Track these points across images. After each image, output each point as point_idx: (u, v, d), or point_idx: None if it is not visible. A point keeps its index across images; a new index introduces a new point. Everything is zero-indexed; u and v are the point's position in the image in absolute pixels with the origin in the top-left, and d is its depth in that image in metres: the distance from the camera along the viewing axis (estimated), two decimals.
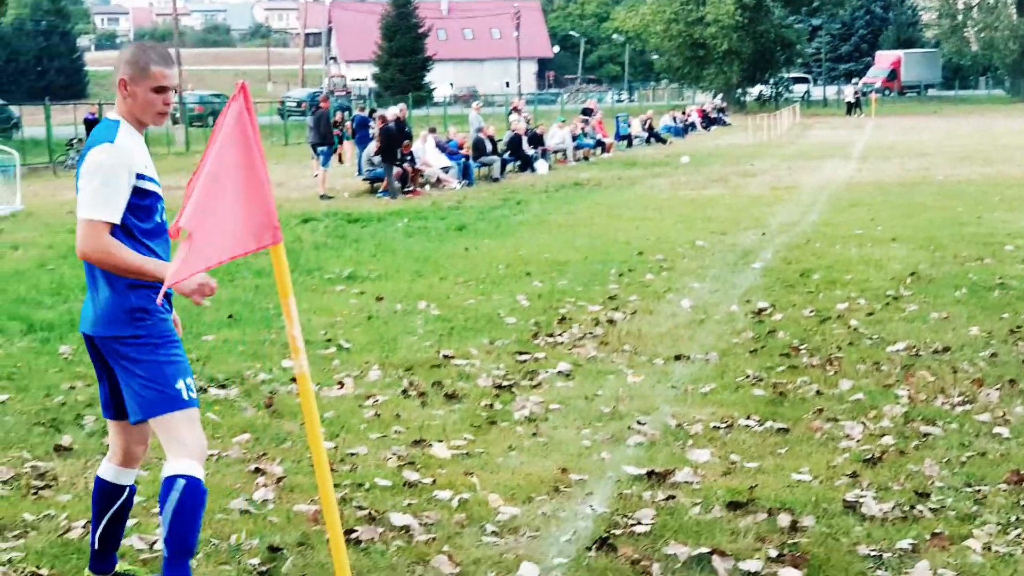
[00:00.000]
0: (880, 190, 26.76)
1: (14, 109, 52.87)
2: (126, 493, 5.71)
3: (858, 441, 8.07)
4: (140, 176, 5.25)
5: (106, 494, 5.68)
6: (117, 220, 5.19)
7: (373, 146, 29.84)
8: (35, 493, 7.36)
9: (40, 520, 6.88)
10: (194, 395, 5.33)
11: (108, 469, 5.69)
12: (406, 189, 29.46)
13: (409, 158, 30.30)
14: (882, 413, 8.69)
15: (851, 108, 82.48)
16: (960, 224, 19.97)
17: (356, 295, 14.36)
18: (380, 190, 28.96)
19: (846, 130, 60.48)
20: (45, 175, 37.49)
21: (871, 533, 6.42)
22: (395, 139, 29.01)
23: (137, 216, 5.28)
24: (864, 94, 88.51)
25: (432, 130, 34.41)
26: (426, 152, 31.67)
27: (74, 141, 39.75)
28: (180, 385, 5.26)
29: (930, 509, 6.73)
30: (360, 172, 31.50)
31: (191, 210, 4.29)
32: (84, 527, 6.70)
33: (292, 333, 4.30)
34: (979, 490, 7.02)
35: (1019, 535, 6.31)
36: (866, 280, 14.47)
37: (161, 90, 5.31)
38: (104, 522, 5.69)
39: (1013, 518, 6.56)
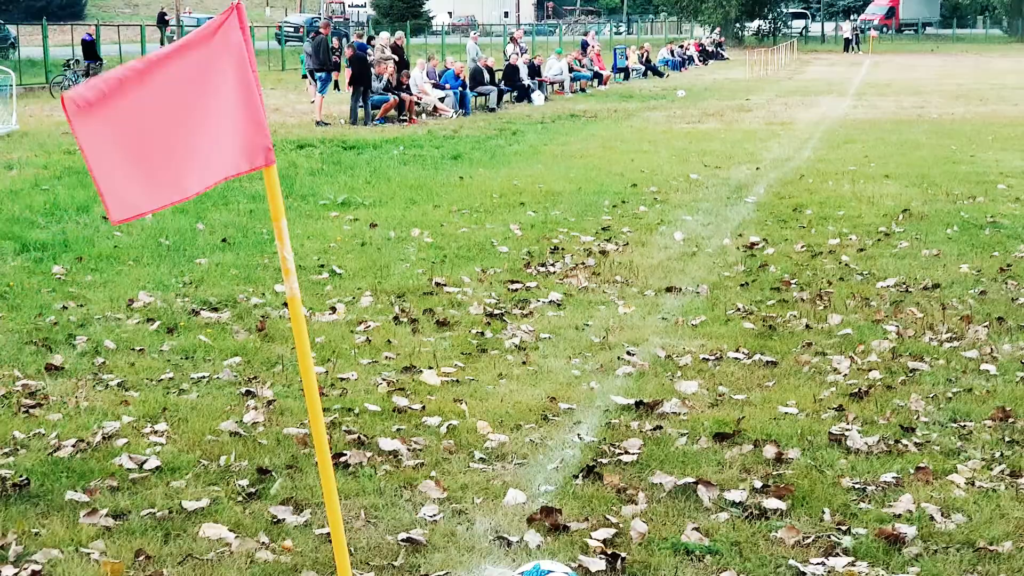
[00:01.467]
0: (875, 127, 26.73)
1: (11, 29, 52.45)
2: None
3: (845, 375, 8.13)
4: None
5: None
6: None
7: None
8: (26, 412, 7.41)
9: (31, 438, 6.93)
10: None
11: None
12: (402, 117, 29.40)
13: (405, 87, 30.25)
14: (870, 348, 8.74)
15: (849, 45, 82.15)
16: (953, 162, 19.98)
17: (350, 222, 14.36)
18: (376, 117, 28.86)
19: (843, 67, 60.32)
20: (41, 96, 37.29)
21: (855, 466, 6.47)
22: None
23: None
24: (862, 31, 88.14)
25: (429, 59, 34.29)
26: (422, 80, 31.58)
27: (71, 62, 39.54)
28: None
29: (915, 444, 6.79)
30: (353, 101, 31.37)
31: (175, 132, 4.20)
32: (74, 446, 6.76)
33: (283, 255, 4.31)
34: (964, 426, 7.08)
35: (1003, 471, 6.37)
36: (858, 216, 14.50)
37: None
38: None
39: (997, 454, 6.63)
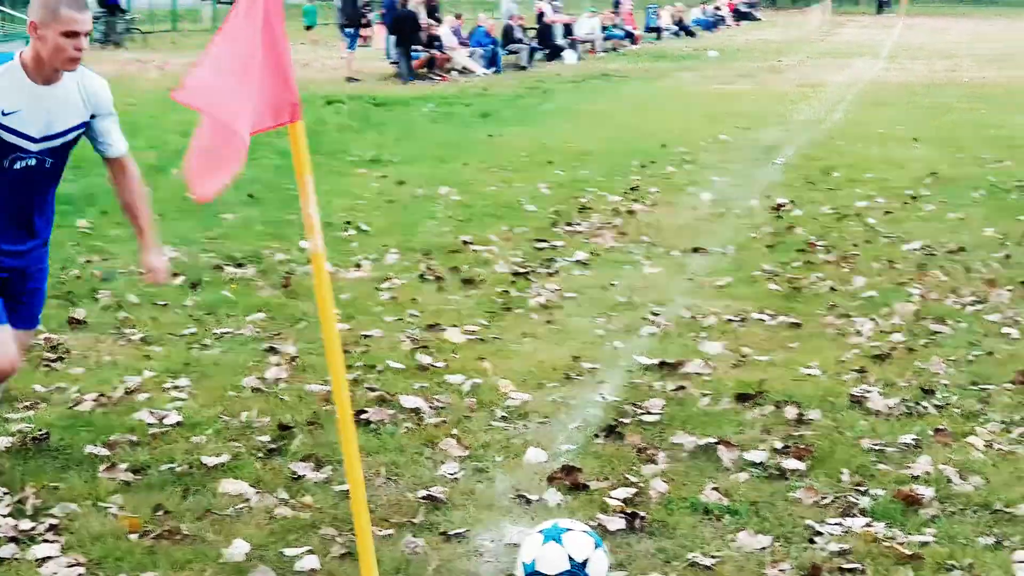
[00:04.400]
0: (906, 90, 26.54)
1: None
2: None
3: (868, 337, 8.13)
4: None
5: None
6: None
7: None
8: (47, 365, 7.46)
9: (51, 392, 6.99)
10: None
11: None
12: (432, 74, 29.37)
13: (437, 43, 30.21)
14: (893, 311, 8.73)
15: (882, 7, 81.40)
16: (983, 126, 19.86)
17: (378, 179, 14.39)
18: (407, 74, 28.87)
19: (876, 29, 59.71)
20: None
21: (875, 428, 6.49)
22: (408, 25, 28.83)
23: None
24: None
25: (458, 16, 34.19)
26: (450, 38, 31.52)
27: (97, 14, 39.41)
28: None
29: (935, 406, 6.80)
30: (388, 56, 31.28)
31: (205, 87, 4.21)
32: (95, 400, 6.82)
33: (307, 212, 4.32)
34: (984, 389, 7.09)
35: (1021, 434, 6.38)
36: (886, 179, 14.43)
37: (71, 35, 5.08)
38: None
39: (1017, 417, 6.64)
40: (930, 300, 9.04)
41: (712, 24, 58.90)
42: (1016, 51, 40.63)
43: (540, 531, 4.71)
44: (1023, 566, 4.94)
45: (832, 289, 9.40)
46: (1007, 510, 5.45)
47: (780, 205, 12.74)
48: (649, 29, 49.70)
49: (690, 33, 52.93)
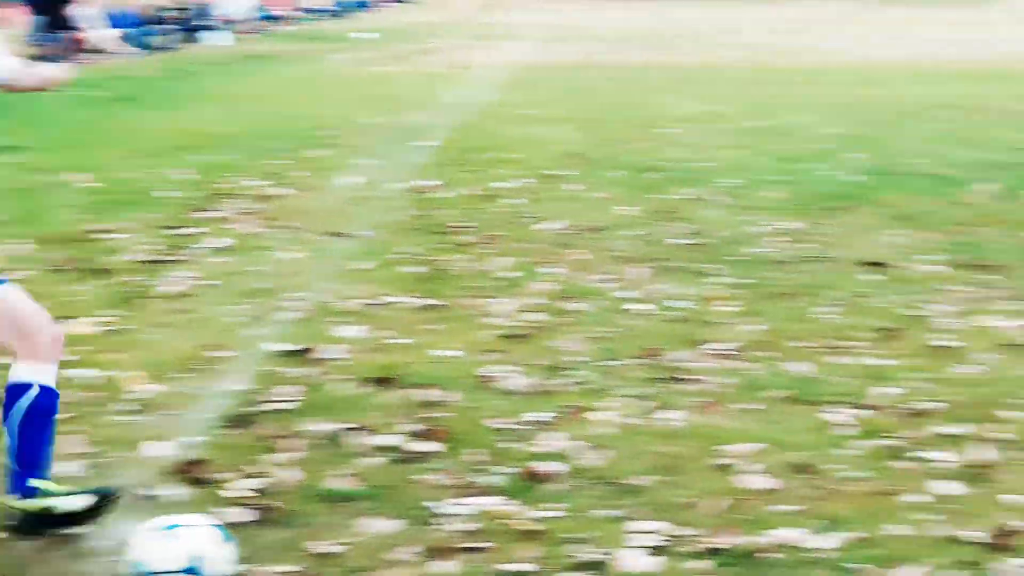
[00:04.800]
0: (554, 72, 27.07)
1: None
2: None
3: (508, 318, 8.18)
4: None
5: None
6: None
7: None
8: None
9: None
10: None
11: None
12: (73, 56, 28.42)
13: (79, 23, 29.24)
14: (533, 290, 8.82)
15: None
16: (625, 107, 20.38)
17: (6, 165, 13.80)
18: (47, 56, 27.87)
19: (532, 13, 60.85)
20: None
21: (510, 407, 6.50)
22: (51, 5, 27.91)
23: None
24: None
25: None
26: (94, 17, 30.55)
27: None
28: None
29: (568, 383, 6.88)
30: (30, 37, 30.10)
31: None
32: None
33: None
34: (616, 364, 7.21)
35: (648, 407, 6.51)
36: (531, 159, 14.62)
37: None
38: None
39: (644, 392, 6.76)
40: (569, 279, 9.17)
41: (368, 5, 59.06)
42: (661, 34, 42.01)
43: (157, 527, 4.53)
44: (634, 536, 5.01)
45: (474, 270, 9.44)
46: (631, 482, 5.53)
47: (426, 187, 12.76)
48: (306, 10, 49.47)
49: (344, 14, 52.92)
